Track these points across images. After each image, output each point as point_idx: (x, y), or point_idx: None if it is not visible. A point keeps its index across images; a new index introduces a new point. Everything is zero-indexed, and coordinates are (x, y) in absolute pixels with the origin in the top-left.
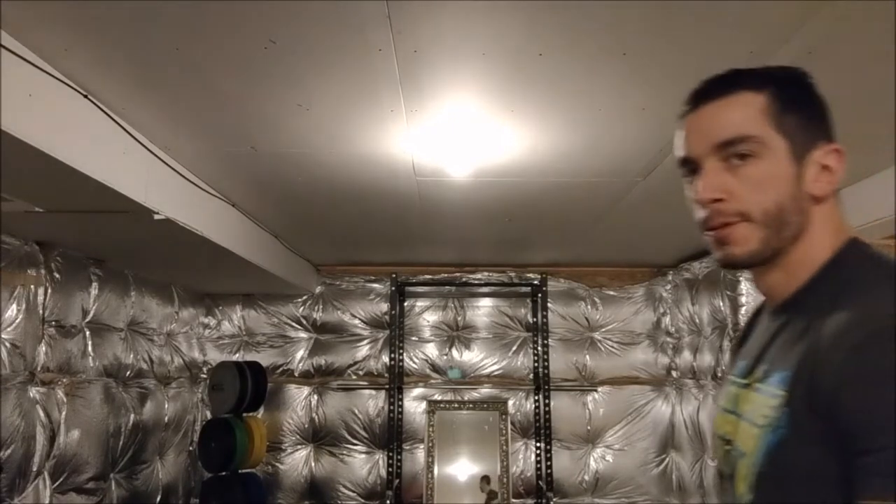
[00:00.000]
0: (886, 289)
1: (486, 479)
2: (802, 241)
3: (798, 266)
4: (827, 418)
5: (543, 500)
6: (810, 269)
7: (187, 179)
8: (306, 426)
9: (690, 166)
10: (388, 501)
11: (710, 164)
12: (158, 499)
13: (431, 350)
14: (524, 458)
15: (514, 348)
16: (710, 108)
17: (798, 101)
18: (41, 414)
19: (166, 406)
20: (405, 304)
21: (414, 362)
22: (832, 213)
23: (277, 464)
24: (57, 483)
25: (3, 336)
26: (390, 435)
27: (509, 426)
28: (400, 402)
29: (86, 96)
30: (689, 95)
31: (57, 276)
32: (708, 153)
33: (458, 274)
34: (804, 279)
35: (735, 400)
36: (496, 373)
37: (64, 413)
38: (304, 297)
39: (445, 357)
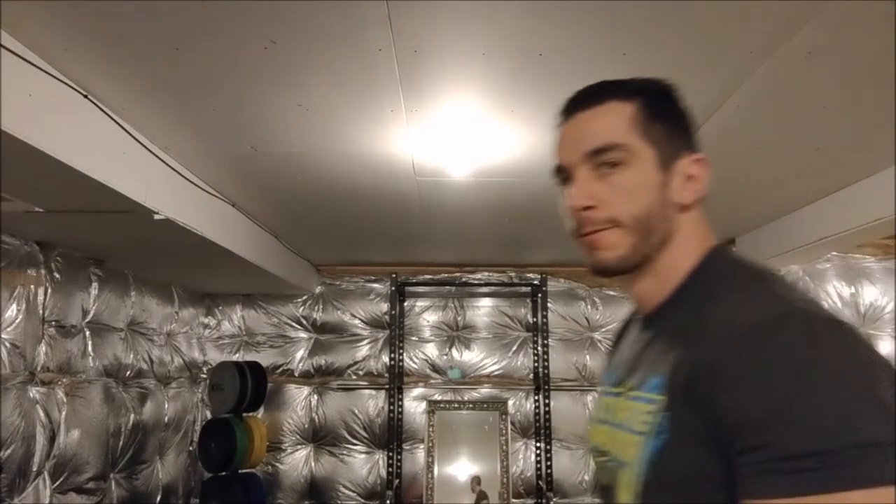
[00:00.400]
0: (753, 289)
1: (476, 479)
2: (670, 249)
3: (666, 273)
4: (708, 419)
5: (543, 500)
6: (678, 276)
7: (187, 179)
8: (306, 426)
9: (563, 175)
10: (388, 501)
11: (582, 172)
12: (158, 499)
13: (431, 350)
14: (524, 458)
15: (514, 348)
16: (582, 118)
17: (665, 112)
18: (41, 414)
19: (166, 406)
20: (405, 304)
21: (414, 362)
22: (697, 221)
23: (277, 464)
24: (57, 483)
25: (3, 336)
26: (390, 435)
27: (509, 426)
28: (400, 402)
29: (86, 96)
30: (563, 106)
31: (57, 276)
32: (579, 162)
33: (458, 274)
34: (673, 286)
35: (609, 410)
36: (496, 373)
37: (64, 413)
38: (304, 297)
39: (445, 357)
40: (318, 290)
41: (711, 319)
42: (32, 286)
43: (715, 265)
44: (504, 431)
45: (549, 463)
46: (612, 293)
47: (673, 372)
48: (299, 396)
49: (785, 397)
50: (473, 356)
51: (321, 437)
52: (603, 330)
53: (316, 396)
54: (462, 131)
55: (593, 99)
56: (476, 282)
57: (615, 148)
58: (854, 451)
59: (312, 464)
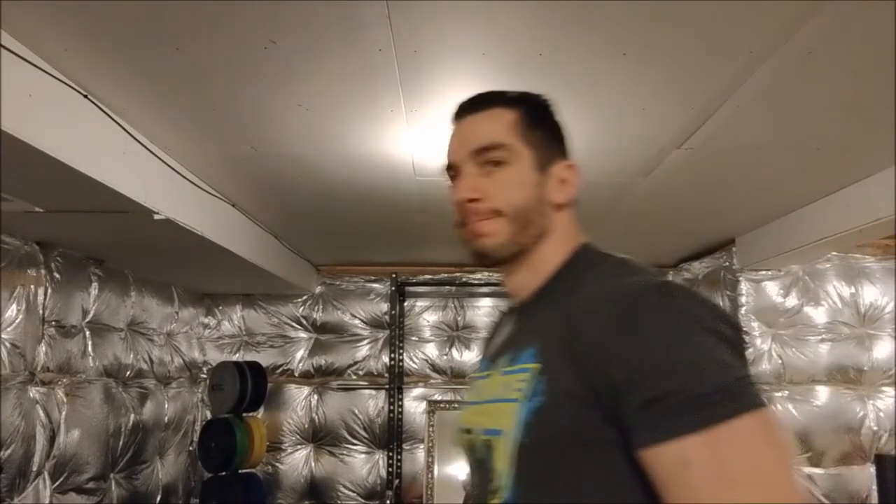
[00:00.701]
0: (620, 270)
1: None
2: (545, 243)
3: (541, 265)
4: (588, 379)
5: None
6: (550, 268)
7: (187, 179)
8: (306, 426)
9: (452, 172)
10: (388, 501)
11: (468, 168)
12: (158, 499)
13: (431, 350)
14: None
15: None
16: (470, 121)
17: (542, 122)
18: (41, 414)
19: (166, 406)
20: (405, 304)
21: (414, 362)
22: (569, 220)
23: (277, 464)
24: (57, 483)
25: (3, 336)
26: (390, 435)
27: None
28: (400, 402)
29: (86, 96)
30: (454, 110)
31: (57, 276)
32: (466, 159)
33: (458, 274)
34: (545, 277)
35: (479, 391)
36: None
37: (64, 413)
38: (304, 297)
39: (445, 357)
40: (318, 290)
41: (585, 294)
42: (32, 286)
43: (584, 257)
44: None
45: None
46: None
47: (547, 342)
48: (299, 396)
49: (674, 350)
50: (473, 356)
51: (321, 437)
52: None
53: (316, 396)
54: None
55: (480, 105)
56: (476, 282)
57: (498, 147)
58: (735, 384)
59: (312, 464)
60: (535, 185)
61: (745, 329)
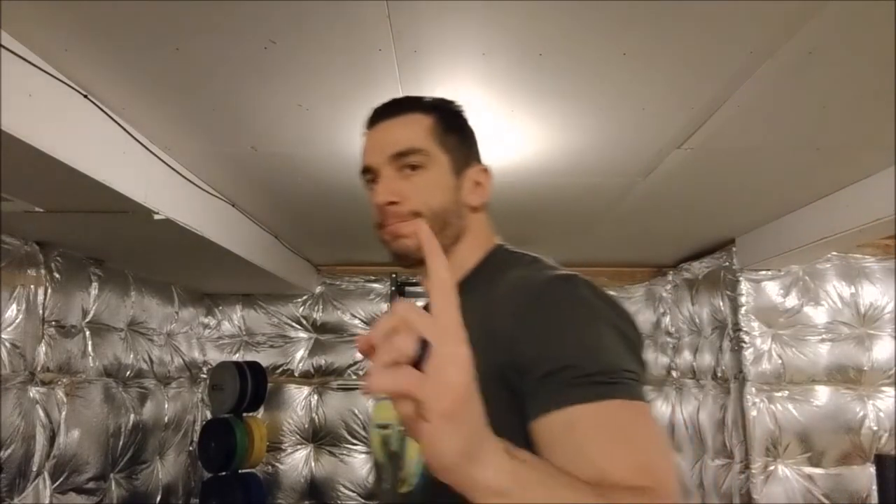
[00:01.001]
0: (533, 265)
1: None
2: (462, 243)
3: (459, 264)
4: (501, 360)
5: None
6: (468, 267)
7: (187, 179)
8: (306, 426)
9: (370, 175)
10: None
11: (387, 172)
12: (158, 499)
13: None
14: None
15: None
16: (387, 125)
17: (456, 127)
18: (41, 414)
19: (166, 406)
20: None
21: None
22: (484, 222)
23: (277, 464)
24: (57, 483)
25: (3, 336)
26: None
27: None
28: None
29: (86, 96)
30: (369, 115)
31: (57, 276)
32: (384, 163)
33: None
34: (463, 275)
35: None
36: None
37: (64, 413)
38: (304, 297)
39: None
40: (318, 290)
41: (500, 286)
42: (32, 286)
43: (499, 257)
44: None
45: None
46: (611, 293)
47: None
48: (299, 396)
49: (575, 332)
50: None
51: (321, 437)
52: None
53: (316, 396)
54: None
55: (397, 110)
56: None
57: (416, 152)
58: (625, 373)
59: (312, 464)
60: (452, 189)
61: (642, 337)
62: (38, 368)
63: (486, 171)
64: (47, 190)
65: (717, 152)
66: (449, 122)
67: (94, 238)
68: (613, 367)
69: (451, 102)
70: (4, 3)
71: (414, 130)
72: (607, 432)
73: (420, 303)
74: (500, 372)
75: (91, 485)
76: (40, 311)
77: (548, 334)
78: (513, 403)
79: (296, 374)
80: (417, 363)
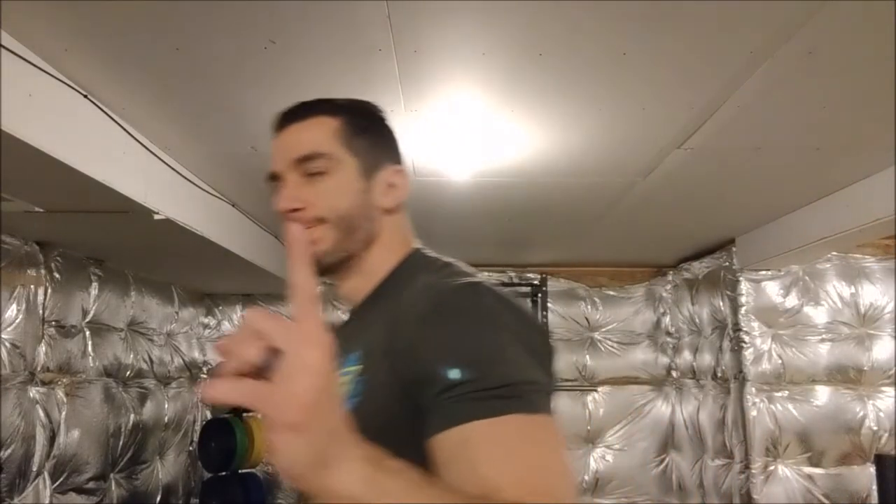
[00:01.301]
0: (443, 271)
1: None
2: (375, 248)
3: (372, 270)
4: (404, 371)
5: None
6: (382, 273)
7: (187, 179)
8: None
9: (276, 180)
10: None
11: (291, 177)
12: (158, 499)
13: None
14: None
15: None
16: (293, 129)
17: (367, 128)
18: (41, 414)
19: (166, 406)
20: None
21: None
22: (400, 225)
23: None
24: (57, 483)
25: (3, 336)
26: None
27: None
28: None
29: (86, 96)
30: (276, 119)
31: (57, 276)
32: (289, 168)
33: None
34: (378, 280)
35: None
36: None
37: (64, 413)
38: None
39: None
40: (317, 290)
41: (408, 295)
42: (32, 286)
43: (414, 262)
44: None
45: None
46: (612, 293)
47: (371, 343)
48: None
49: (475, 344)
50: None
51: None
52: (603, 330)
53: None
54: (462, 131)
55: (304, 113)
56: None
57: (319, 157)
58: (526, 386)
59: None
60: (360, 192)
61: (552, 345)
62: (38, 368)
63: (401, 172)
64: (47, 190)
65: (717, 152)
66: (358, 124)
67: (94, 238)
68: (514, 380)
69: (364, 103)
70: (4, 4)
71: (318, 134)
72: (501, 449)
73: None
74: (403, 385)
75: (91, 485)
76: (40, 311)
77: (447, 346)
78: (415, 418)
79: None
80: (269, 371)
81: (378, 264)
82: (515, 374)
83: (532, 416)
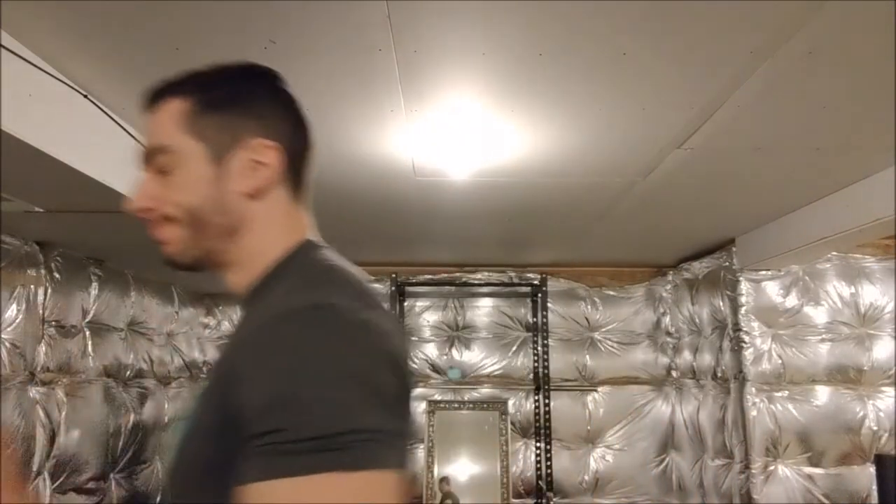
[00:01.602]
0: (307, 282)
1: (445, 479)
2: (246, 239)
3: (252, 262)
4: (225, 406)
5: (543, 500)
6: (265, 264)
7: None
8: None
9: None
10: None
11: (147, 174)
12: (158, 499)
13: (431, 350)
14: (524, 458)
15: (514, 348)
16: (149, 119)
17: (222, 102)
18: (41, 414)
19: (166, 406)
20: (405, 304)
21: (414, 362)
22: (280, 209)
23: None
24: (57, 483)
25: (3, 336)
26: None
27: (509, 426)
28: None
29: (86, 96)
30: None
31: (57, 276)
32: (143, 164)
33: (458, 274)
34: (260, 273)
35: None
36: (496, 373)
37: (64, 413)
38: None
39: (445, 357)
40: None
41: (263, 306)
42: (32, 286)
43: (295, 260)
44: (504, 431)
45: (549, 463)
46: (612, 293)
47: (222, 357)
48: None
49: (292, 385)
50: (473, 356)
51: None
52: (603, 330)
53: None
54: (462, 131)
55: (156, 98)
56: (476, 282)
57: (161, 151)
58: (351, 436)
59: None
60: (211, 182)
61: (411, 378)
62: (38, 368)
63: (269, 146)
64: (47, 190)
65: (717, 152)
66: (212, 99)
67: (94, 238)
68: (335, 430)
69: (227, 69)
70: (4, 4)
71: (163, 124)
72: None
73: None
74: (222, 421)
75: (91, 485)
76: (40, 311)
77: (259, 385)
78: (226, 462)
79: None
80: None
81: (258, 254)
82: (339, 423)
83: (355, 475)
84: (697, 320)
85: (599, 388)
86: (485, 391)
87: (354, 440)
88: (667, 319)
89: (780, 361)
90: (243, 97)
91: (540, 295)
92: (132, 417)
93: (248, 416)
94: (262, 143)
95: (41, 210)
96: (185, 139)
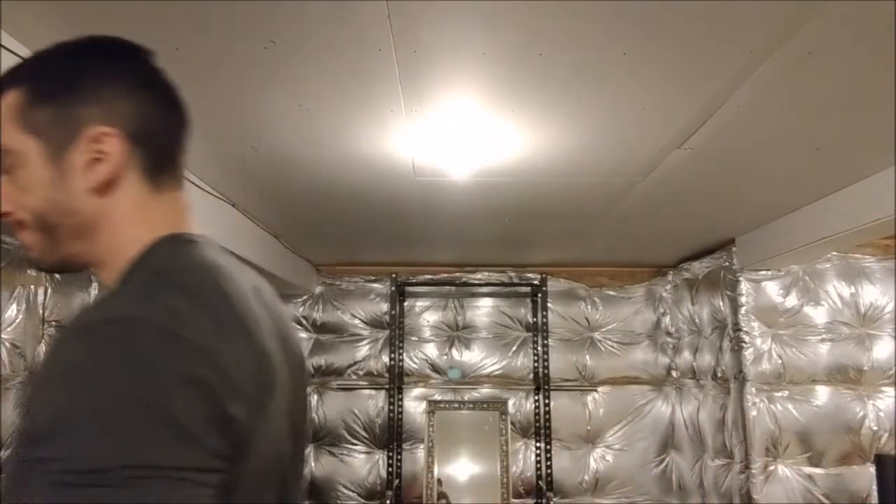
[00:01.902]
0: (136, 288)
1: (438, 481)
2: (103, 238)
3: (112, 263)
4: (23, 425)
5: (543, 500)
6: (123, 264)
7: (187, 179)
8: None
9: None
10: (388, 501)
11: (3, 176)
12: None
13: (431, 350)
14: (524, 458)
15: (514, 348)
16: None
17: (56, 89)
18: None
19: None
20: (405, 304)
21: (414, 362)
22: (133, 203)
23: None
24: None
25: (3, 336)
26: (390, 435)
27: (509, 426)
28: (400, 402)
29: None
30: None
31: (57, 276)
32: None
33: (458, 274)
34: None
35: None
36: (496, 373)
37: None
38: (304, 297)
39: (445, 357)
40: (317, 290)
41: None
42: (32, 286)
43: (149, 257)
44: (504, 431)
45: (549, 463)
46: (612, 293)
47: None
48: None
49: (71, 411)
50: (473, 356)
51: (321, 437)
52: (603, 330)
53: (316, 396)
54: (462, 131)
55: (1, 89)
56: (476, 282)
57: (3, 152)
58: (128, 471)
59: (312, 464)
60: (51, 182)
61: (221, 406)
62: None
63: (107, 135)
64: None
65: (717, 152)
66: (44, 88)
67: None
68: (116, 463)
69: (58, 49)
70: (4, 4)
71: (3, 121)
72: None
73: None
74: (21, 433)
75: None
76: (40, 311)
77: (42, 409)
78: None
79: None
80: None
81: (115, 255)
82: (117, 456)
83: None
84: (697, 320)
85: (599, 388)
86: (485, 391)
87: (132, 476)
88: (667, 319)
89: (780, 361)
90: (82, 81)
91: (540, 295)
92: None
93: (30, 437)
94: (100, 130)
95: None
96: (20, 136)
